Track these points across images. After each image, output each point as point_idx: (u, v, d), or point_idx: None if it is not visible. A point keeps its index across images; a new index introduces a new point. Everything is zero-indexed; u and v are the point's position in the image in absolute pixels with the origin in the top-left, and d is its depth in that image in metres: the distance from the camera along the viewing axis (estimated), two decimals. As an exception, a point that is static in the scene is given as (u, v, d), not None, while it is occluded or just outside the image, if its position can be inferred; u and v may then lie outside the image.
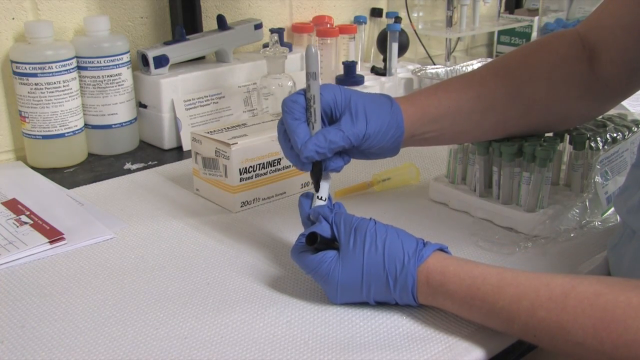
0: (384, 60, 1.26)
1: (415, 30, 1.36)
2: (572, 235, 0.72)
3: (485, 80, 0.72)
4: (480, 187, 0.77)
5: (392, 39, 1.23)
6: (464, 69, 1.27)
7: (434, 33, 1.40)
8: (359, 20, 1.34)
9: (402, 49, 1.30)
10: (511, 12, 1.58)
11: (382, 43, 1.28)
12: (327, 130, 0.63)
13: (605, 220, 0.75)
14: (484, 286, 0.53)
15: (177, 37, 1.04)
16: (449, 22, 1.36)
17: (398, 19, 1.29)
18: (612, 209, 0.76)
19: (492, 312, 0.53)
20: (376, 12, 1.40)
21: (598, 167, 0.74)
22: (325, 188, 0.64)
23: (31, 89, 0.90)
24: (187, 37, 1.04)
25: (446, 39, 1.38)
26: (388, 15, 1.34)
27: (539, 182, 0.73)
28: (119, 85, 0.97)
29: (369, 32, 1.39)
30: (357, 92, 0.67)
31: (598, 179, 0.73)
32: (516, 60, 0.73)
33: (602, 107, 0.76)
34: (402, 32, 1.28)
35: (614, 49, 0.69)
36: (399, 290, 0.57)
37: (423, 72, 1.23)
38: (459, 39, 1.50)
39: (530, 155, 0.72)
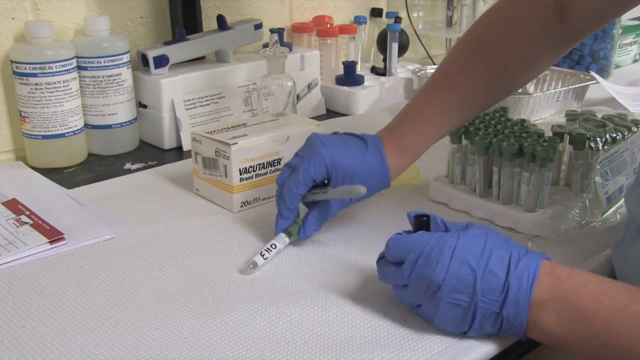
0: (384, 60, 1.26)
1: (415, 30, 1.36)
2: (572, 235, 0.72)
3: (463, 71, 0.74)
4: (480, 187, 0.77)
5: (392, 39, 1.23)
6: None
7: (434, 33, 1.40)
8: (359, 20, 1.34)
9: (402, 49, 1.30)
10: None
11: (382, 43, 1.28)
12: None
13: (605, 220, 0.75)
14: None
15: (177, 37, 1.04)
16: (449, 22, 1.36)
17: (398, 19, 1.29)
18: (613, 208, 0.76)
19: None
20: (376, 12, 1.40)
21: (598, 167, 0.73)
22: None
23: (31, 89, 0.90)
24: (187, 37, 1.04)
25: (446, 38, 1.38)
26: (388, 15, 1.34)
27: (539, 182, 0.73)
28: (119, 85, 0.97)
29: (369, 32, 1.39)
30: (346, 158, 0.70)
31: (598, 179, 0.73)
32: (490, 32, 0.75)
33: (561, 53, 0.78)
34: (402, 32, 1.28)
35: (588, 2, 0.69)
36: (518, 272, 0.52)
37: (423, 72, 1.23)
38: (459, 39, 1.50)
39: (530, 155, 0.72)
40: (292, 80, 0.97)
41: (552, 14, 0.71)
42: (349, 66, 1.19)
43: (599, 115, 0.85)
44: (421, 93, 0.76)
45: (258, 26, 1.12)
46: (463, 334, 0.55)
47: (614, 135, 0.78)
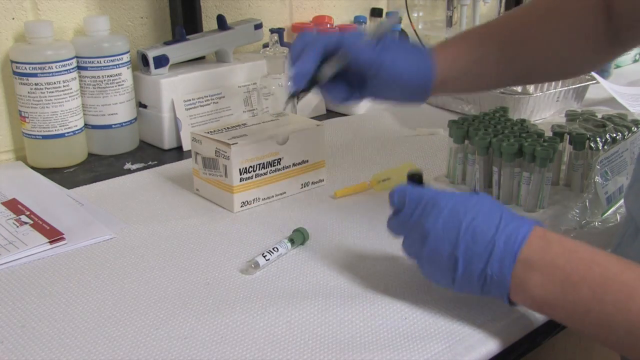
0: (384, 60, 1.26)
1: (415, 30, 1.36)
2: (572, 235, 0.72)
3: (506, 32, 0.72)
4: (480, 187, 0.77)
5: (392, 39, 1.23)
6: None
7: (434, 33, 1.40)
8: (359, 20, 1.34)
9: (402, 49, 1.30)
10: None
11: (382, 43, 1.28)
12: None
13: (605, 220, 0.75)
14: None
15: (177, 37, 1.04)
16: (449, 22, 1.36)
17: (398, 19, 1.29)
18: (613, 208, 0.76)
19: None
20: (376, 12, 1.39)
21: (598, 167, 0.74)
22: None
23: (31, 89, 0.90)
24: (187, 37, 1.04)
25: (446, 38, 1.37)
26: (388, 15, 1.34)
27: (539, 182, 0.73)
28: (119, 85, 0.97)
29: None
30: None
31: (598, 179, 0.73)
32: (536, 15, 0.72)
33: (602, 59, 0.75)
34: (402, 32, 1.28)
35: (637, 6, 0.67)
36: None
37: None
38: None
39: (530, 155, 0.72)
40: (292, 80, 0.97)
41: (598, 11, 0.69)
42: (349, 66, 1.19)
43: (599, 115, 0.85)
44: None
45: (258, 26, 1.12)
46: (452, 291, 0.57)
47: (614, 135, 0.78)
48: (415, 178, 0.61)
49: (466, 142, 0.79)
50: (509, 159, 0.73)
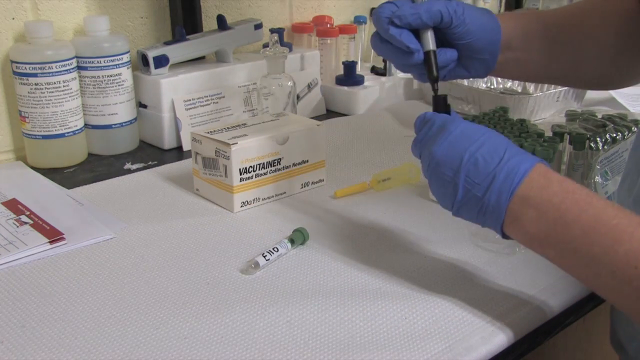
0: (384, 60, 1.26)
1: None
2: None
3: (564, 25, 0.71)
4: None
5: (392, 39, 1.23)
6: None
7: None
8: (359, 20, 1.34)
9: (402, 49, 1.30)
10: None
11: (382, 43, 1.28)
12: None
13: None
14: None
15: (177, 37, 1.04)
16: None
17: (398, 19, 1.29)
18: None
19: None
20: (376, 12, 1.39)
21: (598, 167, 0.74)
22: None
23: (31, 89, 0.90)
24: (187, 37, 1.04)
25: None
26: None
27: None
28: (119, 85, 0.97)
29: (369, 32, 1.39)
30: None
31: (598, 179, 0.73)
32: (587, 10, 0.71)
33: None
34: (402, 32, 1.27)
35: None
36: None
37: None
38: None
39: (530, 155, 0.72)
40: (292, 80, 0.97)
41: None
42: (349, 66, 1.19)
43: (599, 115, 0.85)
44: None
45: (258, 26, 1.12)
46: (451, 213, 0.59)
47: (614, 135, 0.78)
48: (440, 100, 0.62)
49: None
50: None
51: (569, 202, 0.51)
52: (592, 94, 1.20)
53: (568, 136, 0.79)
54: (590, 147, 0.77)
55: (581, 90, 1.16)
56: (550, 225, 0.51)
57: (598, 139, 0.77)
